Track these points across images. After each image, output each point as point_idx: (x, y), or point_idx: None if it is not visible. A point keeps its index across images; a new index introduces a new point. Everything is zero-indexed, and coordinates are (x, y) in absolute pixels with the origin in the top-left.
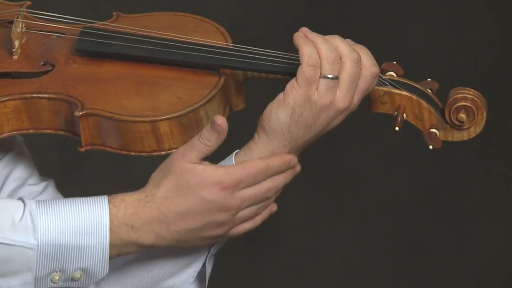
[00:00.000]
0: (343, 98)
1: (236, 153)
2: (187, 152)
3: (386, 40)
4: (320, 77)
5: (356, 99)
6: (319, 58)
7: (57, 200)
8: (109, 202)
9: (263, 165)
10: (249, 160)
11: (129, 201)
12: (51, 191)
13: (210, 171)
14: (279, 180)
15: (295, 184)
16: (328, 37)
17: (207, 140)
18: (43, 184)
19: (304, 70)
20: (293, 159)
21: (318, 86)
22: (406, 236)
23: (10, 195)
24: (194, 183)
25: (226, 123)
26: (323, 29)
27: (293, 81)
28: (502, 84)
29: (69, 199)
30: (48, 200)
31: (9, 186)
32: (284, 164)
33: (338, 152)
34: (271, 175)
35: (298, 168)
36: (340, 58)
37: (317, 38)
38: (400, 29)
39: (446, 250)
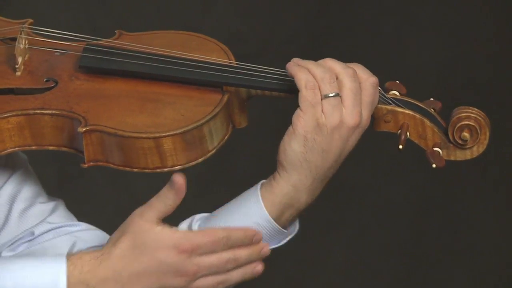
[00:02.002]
0: (351, 114)
1: (261, 184)
2: (145, 212)
3: (383, 54)
4: (321, 98)
5: (365, 114)
6: (316, 80)
7: (16, 258)
8: (67, 260)
9: (223, 234)
10: (211, 227)
11: (86, 258)
12: (62, 210)
13: (168, 233)
14: (240, 254)
15: None
16: (320, 61)
17: (166, 198)
18: (52, 203)
19: (304, 94)
20: (256, 234)
21: (323, 108)
22: (404, 246)
23: (20, 215)
24: (150, 243)
25: (184, 182)
26: (320, 44)
27: (298, 110)
28: (499, 97)
29: (30, 257)
30: (8, 257)
31: (19, 206)
32: (247, 238)
33: None
34: (232, 246)
35: (266, 250)
36: (337, 78)
37: (309, 64)
38: (398, 43)
39: (444, 260)
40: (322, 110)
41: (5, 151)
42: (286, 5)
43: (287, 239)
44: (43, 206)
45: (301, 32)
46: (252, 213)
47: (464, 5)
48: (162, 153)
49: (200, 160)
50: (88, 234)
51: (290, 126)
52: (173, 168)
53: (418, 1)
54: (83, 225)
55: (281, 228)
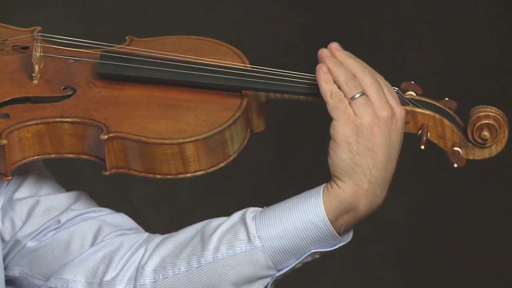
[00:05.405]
0: (381, 106)
1: (323, 187)
2: None
3: (382, 65)
4: (349, 101)
5: (393, 102)
6: (339, 85)
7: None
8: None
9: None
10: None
11: None
12: (85, 199)
13: None
14: None
15: None
16: (338, 58)
17: None
18: (75, 192)
19: (332, 104)
20: None
21: (354, 110)
22: (404, 257)
23: (44, 206)
24: None
25: None
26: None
27: (332, 121)
28: (499, 107)
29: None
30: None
31: (42, 197)
32: None
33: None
34: None
35: None
36: (355, 76)
37: (333, 65)
38: (398, 54)
39: (444, 270)
40: (354, 113)
41: (25, 160)
42: (285, 16)
43: (338, 245)
44: (66, 196)
45: (300, 43)
46: (310, 212)
47: (464, 15)
48: (185, 158)
49: (222, 165)
50: (112, 218)
51: (331, 139)
52: (195, 173)
53: (418, 11)
54: (106, 210)
55: (335, 232)
